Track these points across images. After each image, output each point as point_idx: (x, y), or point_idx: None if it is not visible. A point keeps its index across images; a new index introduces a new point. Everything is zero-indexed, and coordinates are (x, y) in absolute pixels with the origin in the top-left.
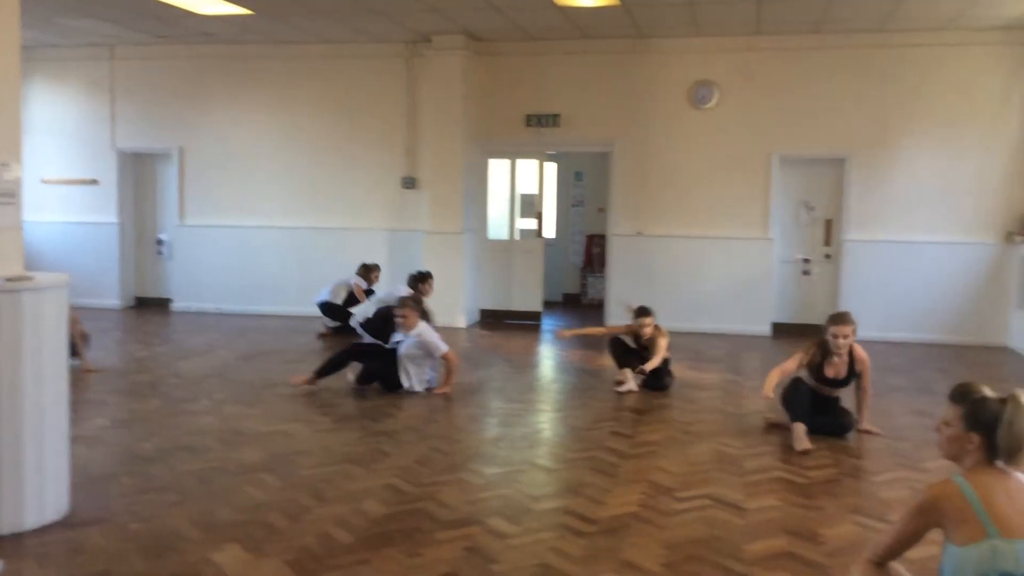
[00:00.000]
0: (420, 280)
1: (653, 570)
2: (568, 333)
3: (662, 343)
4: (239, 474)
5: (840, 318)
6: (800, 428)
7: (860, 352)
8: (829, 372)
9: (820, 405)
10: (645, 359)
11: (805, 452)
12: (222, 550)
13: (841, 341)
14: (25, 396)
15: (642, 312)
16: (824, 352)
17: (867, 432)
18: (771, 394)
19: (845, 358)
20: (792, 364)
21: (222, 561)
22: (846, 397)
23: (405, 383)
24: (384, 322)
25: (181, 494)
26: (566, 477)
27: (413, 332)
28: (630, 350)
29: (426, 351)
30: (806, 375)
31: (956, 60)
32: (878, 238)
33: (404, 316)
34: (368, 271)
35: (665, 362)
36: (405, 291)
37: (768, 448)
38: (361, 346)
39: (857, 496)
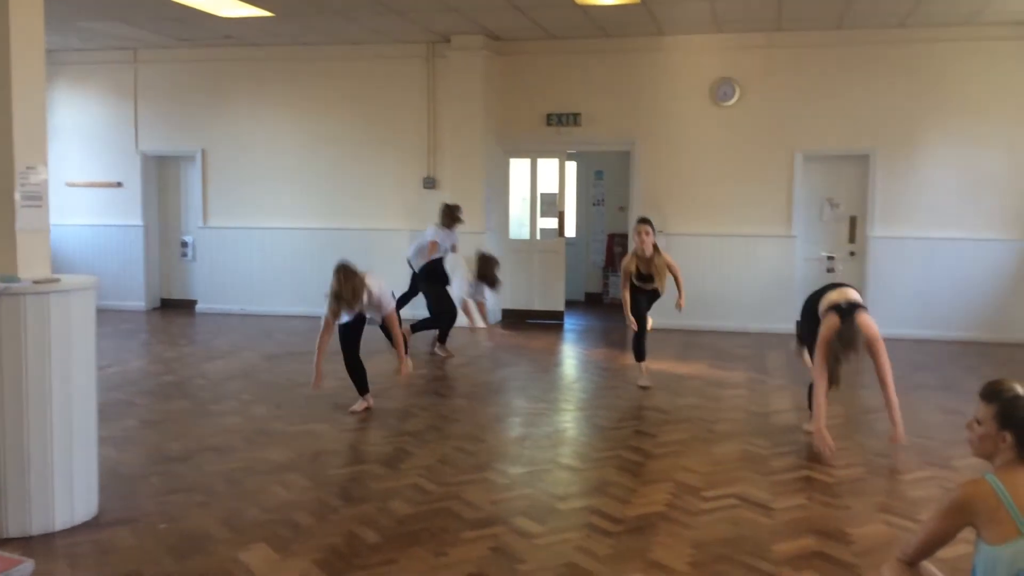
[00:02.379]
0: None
1: (680, 570)
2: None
3: (672, 264)
4: (266, 474)
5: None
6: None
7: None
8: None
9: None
10: (653, 297)
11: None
12: (250, 549)
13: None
14: (53, 397)
15: (642, 220)
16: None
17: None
18: (830, 445)
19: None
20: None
21: (250, 560)
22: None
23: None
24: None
25: (209, 494)
26: (591, 476)
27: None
28: (639, 293)
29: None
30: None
31: (979, 55)
32: (904, 235)
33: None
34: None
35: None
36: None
37: (794, 447)
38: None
39: (886, 495)
